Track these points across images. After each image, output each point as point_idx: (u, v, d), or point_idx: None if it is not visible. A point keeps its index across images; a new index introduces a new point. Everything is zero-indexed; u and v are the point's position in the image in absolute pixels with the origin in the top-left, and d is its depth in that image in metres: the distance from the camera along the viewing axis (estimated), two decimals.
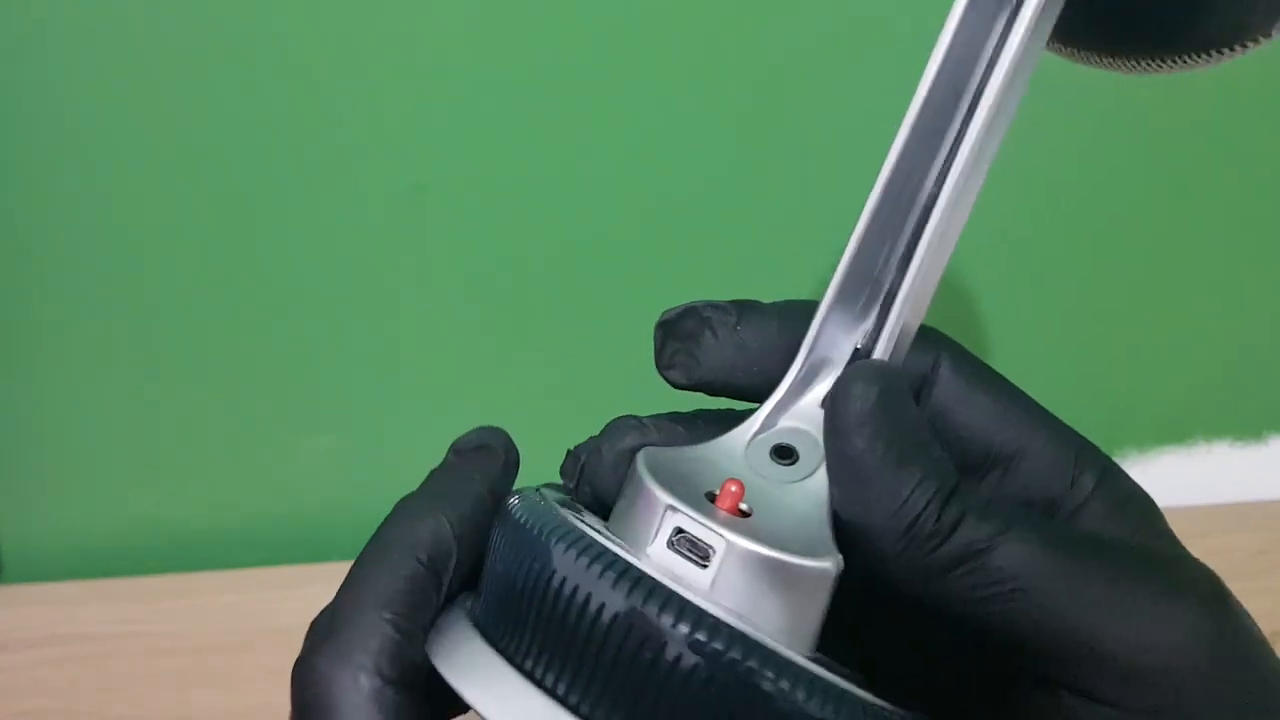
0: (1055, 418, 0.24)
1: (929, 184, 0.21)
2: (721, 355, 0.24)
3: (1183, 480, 0.66)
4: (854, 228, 0.21)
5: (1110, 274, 0.62)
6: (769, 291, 0.60)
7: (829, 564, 0.20)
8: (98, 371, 0.56)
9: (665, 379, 0.25)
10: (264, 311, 0.56)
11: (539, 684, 0.19)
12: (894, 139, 0.21)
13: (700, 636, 0.18)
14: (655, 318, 0.25)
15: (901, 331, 0.22)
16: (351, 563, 0.22)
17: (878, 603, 0.23)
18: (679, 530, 0.20)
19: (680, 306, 0.25)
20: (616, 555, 0.19)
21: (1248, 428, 0.66)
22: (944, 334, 0.24)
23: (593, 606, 0.18)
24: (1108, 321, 0.63)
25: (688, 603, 0.18)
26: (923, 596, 0.21)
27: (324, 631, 0.21)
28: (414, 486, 0.23)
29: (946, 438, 0.24)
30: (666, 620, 0.18)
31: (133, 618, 0.55)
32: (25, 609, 0.56)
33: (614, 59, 0.53)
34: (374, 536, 0.22)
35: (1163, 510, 0.23)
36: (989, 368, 0.25)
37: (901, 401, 0.21)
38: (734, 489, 0.21)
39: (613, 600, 0.18)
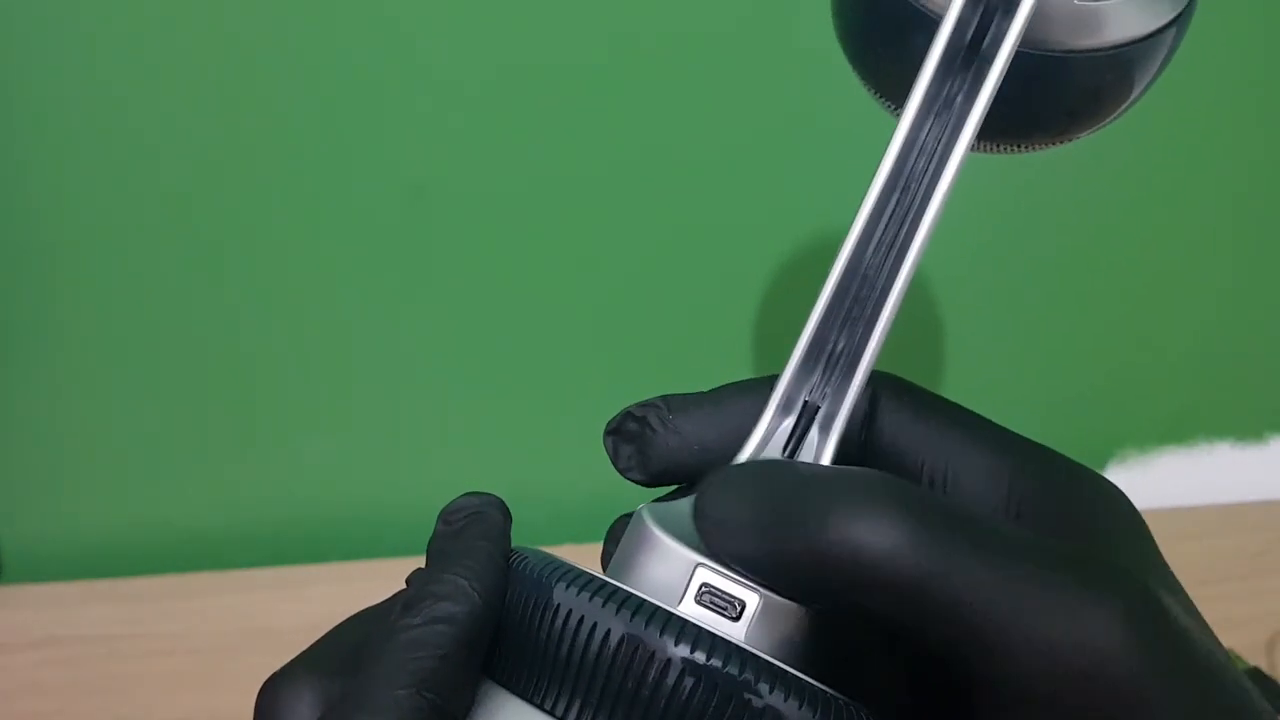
0: (1007, 436, 0.24)
1: (873, 257, 0.24)
2: (665, 446, 0.26)
3: (1183, 480, 0.66)
4: (815, 304, 0.24)
5: (1111, 275, 0.62)
6: (772, 294, 0.60)
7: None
8: (98, 372, 0.56)
9: (628, 480, 0.26)
10: (264, 313, 0.56)
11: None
12: (851, 226, 0.23)
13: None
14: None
15: (856, 391, 0.24)
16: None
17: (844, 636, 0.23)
18: (706, 585, 0.21)
19: (618, 415, 0.26)
20: (657, 606, 0.20)
21: (1248, 428, 0.66)
22: (878, 371, 0.25)
23: (656, 661, 0.19)
24: (1109, 322, 0.63)
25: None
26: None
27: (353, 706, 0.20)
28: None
29: (891, 467, 0.25)
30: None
31: (133, 618, 0.55)
32: (25, 609, 0.56)
33: (620, 60, 0.53)
34: (402, 606, 0.21)
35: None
36: (929, 395, 0.26)
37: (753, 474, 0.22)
38: None
39: (670, 655, 0.19)
